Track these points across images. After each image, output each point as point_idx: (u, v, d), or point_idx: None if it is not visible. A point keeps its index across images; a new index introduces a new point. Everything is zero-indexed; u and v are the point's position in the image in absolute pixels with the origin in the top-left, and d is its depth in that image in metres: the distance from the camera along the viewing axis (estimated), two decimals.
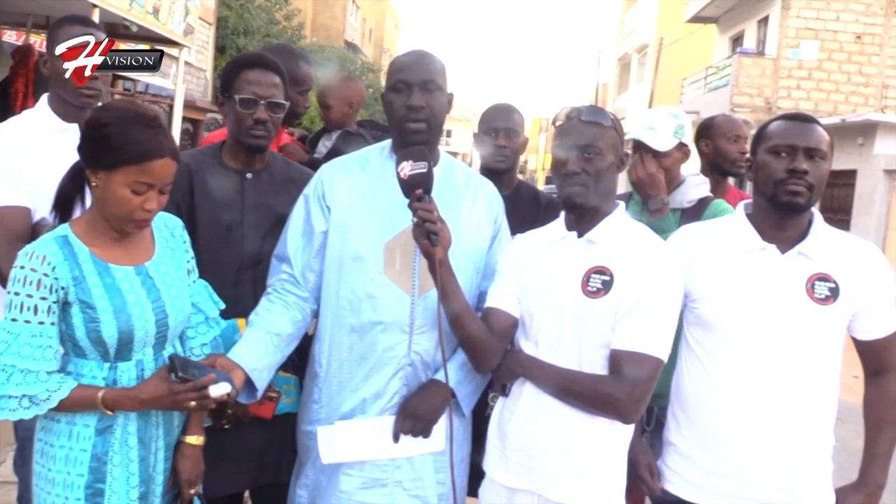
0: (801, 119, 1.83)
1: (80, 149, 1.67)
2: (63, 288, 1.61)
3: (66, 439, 1.66)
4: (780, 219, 1.80)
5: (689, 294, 1.85)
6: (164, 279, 1.74)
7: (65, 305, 1.63)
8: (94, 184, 1.65)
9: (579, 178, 1.75)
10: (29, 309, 1.59)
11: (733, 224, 1.88)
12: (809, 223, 1.82)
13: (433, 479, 1.91)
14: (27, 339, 1.59)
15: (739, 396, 1.77)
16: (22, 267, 1.60)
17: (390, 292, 1.86)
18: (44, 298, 1.59)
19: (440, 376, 1.87)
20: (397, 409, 1.88)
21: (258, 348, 1.84)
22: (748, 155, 2.99)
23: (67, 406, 1.62)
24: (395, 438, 1.86)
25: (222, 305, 1.91)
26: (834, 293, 1.74)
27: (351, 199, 1.93)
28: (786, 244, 1.79)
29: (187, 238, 1.88)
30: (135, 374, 1.69)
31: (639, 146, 2.43)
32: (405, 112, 1.87)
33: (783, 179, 1.75)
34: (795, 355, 1.75)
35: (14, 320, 1.59)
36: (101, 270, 1.66)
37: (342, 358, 1.91)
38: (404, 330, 1.87)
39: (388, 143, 2.01)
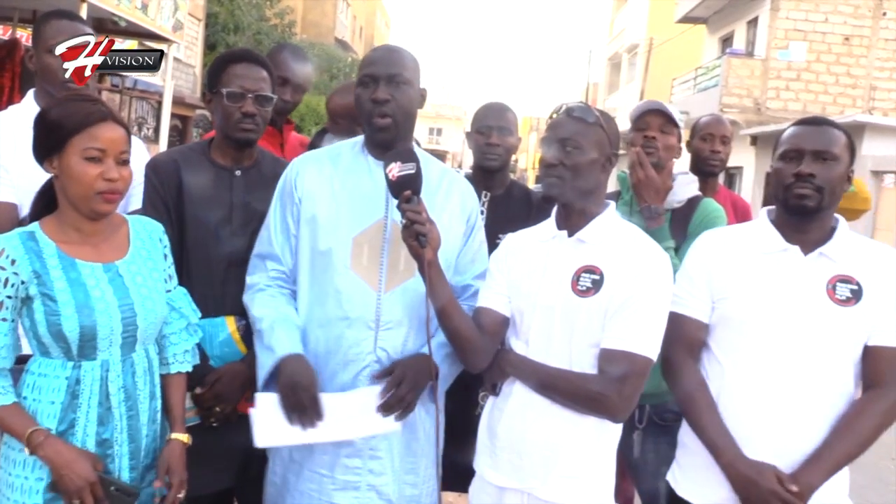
0: (811, 123, 1.84)
1: (33, 148, 1.67)
2: (23, 283, 1.60)
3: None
4: (797, 222, 1.80)
5: (713, 295, 1.85)
6: (135, 279, 1.71)
7: (27, 300, 1.62)
8: (54, 175, 1.65)
9: (556, 171, 1.76)
10: None
11: (757, 227, 1.88)
12: (833, 229, 1.82)
13: (402, 481, 1.89)
14: None
15: (756, 395, 1.76)
16: None
17: (356, 287, 1.85)
18: (9, 297, 1.60)
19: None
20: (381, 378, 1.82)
21: (297, 338, 1.85)
22: (721, 154, 3.04)
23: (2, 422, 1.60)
24: (386, 409, 1.79)
25: (199, 314, 1.89)
26: (856, 295, 1.73)
27: (321, 192, 1.92)
28: (808, 246, 1.79)
29: (168, 244, 1.84)
30: (99, 375, 1.66)
31: (641, 126, 2.43)
32: (371, 106, 1.86)
33: (791, 184, 1.76)
34: (814, 355, 1.74)
35: None
36: (66, 265, 1.64)
37: (307, 352, 1.88)
38: (370, 326, 1.85)
39: (360, 138, 2.00)
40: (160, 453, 1.75)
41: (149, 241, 1.79)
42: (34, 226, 1.67)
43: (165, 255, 1.83)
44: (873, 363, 1.75)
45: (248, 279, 1.96)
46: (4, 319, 1.61)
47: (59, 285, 1.61)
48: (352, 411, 1.81)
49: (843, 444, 1.71)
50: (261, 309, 1.89)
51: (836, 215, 1.84)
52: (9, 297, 1.60)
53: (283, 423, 1.79)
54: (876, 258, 1.78)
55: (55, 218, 1.69)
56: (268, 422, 1.79)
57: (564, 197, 1.78)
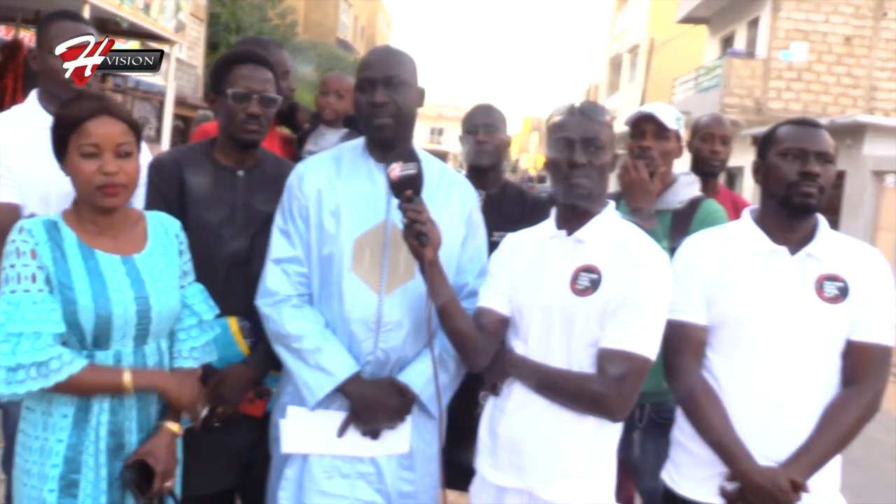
0: (809, 124, 1.87)
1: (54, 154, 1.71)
2: (45, 267, 1.62)
3: (41, 430, 1.66)
4: (791, 220, 1.82)
5: (707, 298, 1.85)
6: (151, 273, 1.74)
7: (48, 283, 1.63)
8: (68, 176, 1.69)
9: (585, 171, 1.75)
10: (27, 278, 1.60)
11: (741, 229, 1.89)
12: (815, 227, 1.84)
13: (396, 476, 1.90)
14: (29, 306, 1.58)
15: (748, 394, 1.78)
16: (13, 241, 1.62)
17: (357, 289, 1.87)
18: (40, 268, 1.61)
19: (405, 376, 1.88)
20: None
21: (347, 355, 1.88)
22: (721, 154, 3.04)
23: (84, 385, 1.62)
24: (339, 433, 1.86)
25: (217, 310, 1.90)
26: (843, 292, 1.77)
27: (324, 195, 1.93)
28: (794, 246, 1.81)
29: (185, 240, 1.87)
30: (111, 365, 1.68)
31: (636, 134, 2.43)
32: (370, 109, 1.88)
33: (796, 182, 1.78)
34: (806, 353, 1.76)
35: (13, 292, 1.59)
36: (84, 254, 1.66)
37: None
38: (370, 327, 1.87)
39: (361, 140, 2.01)
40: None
41: (165, 237, 1.82)
42: (57, 216, 1.70)
43: (181, 252, 1.85)
44: (855, 358, 1.77)
45: (265, 286, 1.93)
46: (41, 290, 1.61)
47: (77, 274, 1.64)
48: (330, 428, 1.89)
49: (825, 440, 1.74)
50: (295, 324, 1.88)
51: (817, 214, 1.86)
52: (39, 268, 1.61)
53: (311, 433, 1.88)
54: (859, 257, 1.81)
55: (74, 210, 1.72)
56: (298, 431, 1.88)
57: (591, 198, 1.77)
